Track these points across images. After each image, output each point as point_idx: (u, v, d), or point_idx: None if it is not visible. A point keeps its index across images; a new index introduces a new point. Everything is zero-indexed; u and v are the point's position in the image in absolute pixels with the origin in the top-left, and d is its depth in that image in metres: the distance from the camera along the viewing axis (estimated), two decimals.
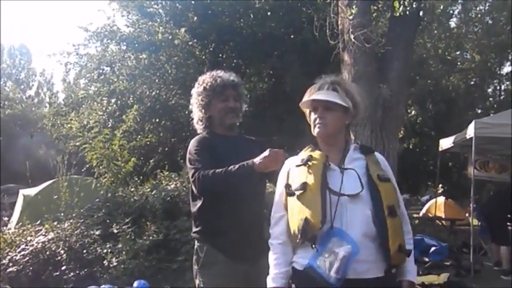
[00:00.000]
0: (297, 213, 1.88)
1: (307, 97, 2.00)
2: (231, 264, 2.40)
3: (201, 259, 2.49)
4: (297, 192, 1.90)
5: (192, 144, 2.53)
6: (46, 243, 5.99)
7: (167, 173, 7.47)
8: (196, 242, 2.55)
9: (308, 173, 1.91)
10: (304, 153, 2.01)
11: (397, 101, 6.70)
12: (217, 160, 2.37)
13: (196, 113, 2.64)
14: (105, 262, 5.49)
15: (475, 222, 8.53)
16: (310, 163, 1.93)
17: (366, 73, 6.45)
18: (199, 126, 2.66)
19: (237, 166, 2.28)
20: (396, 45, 6.63)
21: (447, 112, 15.16)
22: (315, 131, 1.99)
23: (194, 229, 2.57)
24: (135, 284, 5.01)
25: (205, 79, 2.63)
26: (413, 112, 15.71)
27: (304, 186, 1.89)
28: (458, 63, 17.11)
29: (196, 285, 2.51)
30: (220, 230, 2.43)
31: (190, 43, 11.13)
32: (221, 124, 2.60)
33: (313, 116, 2.00)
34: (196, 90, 2.64)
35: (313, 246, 1.84)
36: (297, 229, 1.86)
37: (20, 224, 7.24)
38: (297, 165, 1.98)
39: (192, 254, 5.39)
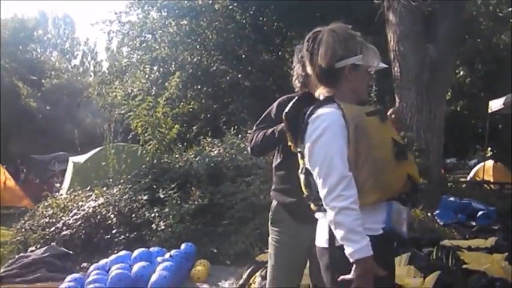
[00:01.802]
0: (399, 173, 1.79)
1: (371, 57, 1.85)
2: (296, 224, 2.43)
3: (271, 216, 2.56)
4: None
5: (272, 105, 2.57)
6: (97, 207, 6.24)
7: (210, 139, 7.54)
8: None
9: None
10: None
11: (445, 62, 6.47)
12: None
13: (295, 70, 2.55)
14: (153, 226, 5.67)
15: None
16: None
17: (412, 33, 6.22)
18: (296, 84, 2.55)
19: (272, 129, 2.34)
20: (444, 3, 6.32)
21: (497, 72, 14.44)
22: (365, 96, 1.93)
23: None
24: (183, 246, 5.14)
25: (309, 36, 2.58)
26: (461, 73, 15.10)
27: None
28: (511, 20, 16.19)
29: (269, 242, 2.59)
30: (287, 189, 2.44)
31: (230, 7, 11.03)
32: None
33: (365, 80, 1.92)
34: (298, 46, 2.55)
35: (407, 202, 1.80)
36: (401, 186, 1.78)
37: (71, 189, 7.55)
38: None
39: (236, 218, 5.56)
